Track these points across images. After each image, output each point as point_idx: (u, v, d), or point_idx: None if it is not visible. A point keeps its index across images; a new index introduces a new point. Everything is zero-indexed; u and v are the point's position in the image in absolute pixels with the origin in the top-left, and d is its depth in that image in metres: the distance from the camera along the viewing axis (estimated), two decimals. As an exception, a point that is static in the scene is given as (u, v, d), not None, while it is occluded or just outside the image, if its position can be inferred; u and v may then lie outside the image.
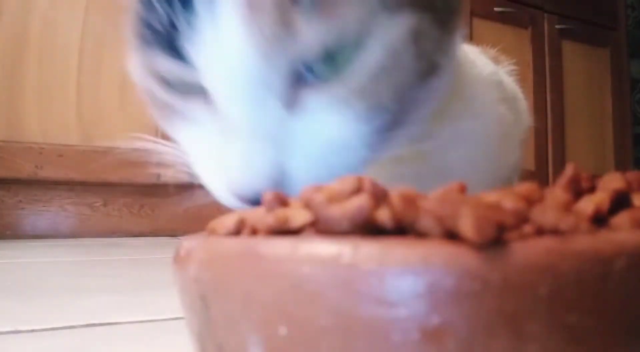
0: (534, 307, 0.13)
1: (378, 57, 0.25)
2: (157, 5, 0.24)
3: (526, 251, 0.13)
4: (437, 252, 0.13)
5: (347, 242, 0.14)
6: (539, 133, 1.84)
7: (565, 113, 1.94)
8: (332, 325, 0.14)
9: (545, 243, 0.14)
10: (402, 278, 0.13)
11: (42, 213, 1.17)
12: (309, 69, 0.25)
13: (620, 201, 0.17)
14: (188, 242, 0.19)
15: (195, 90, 0.26)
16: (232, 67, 0.24)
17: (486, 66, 0.44)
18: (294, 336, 0.14)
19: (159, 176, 1.22)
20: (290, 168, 0.25)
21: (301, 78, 0.25)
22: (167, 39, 0.25)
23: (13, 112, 1.11)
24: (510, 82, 0.49)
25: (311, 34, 0.23)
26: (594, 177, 0.18)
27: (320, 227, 0.15)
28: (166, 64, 0.26)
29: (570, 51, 2.00)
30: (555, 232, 0.15)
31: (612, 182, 0.17)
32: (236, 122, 0.25)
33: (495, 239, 0.13)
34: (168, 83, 0.27)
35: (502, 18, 1.81)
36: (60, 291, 0.52)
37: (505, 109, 0.41)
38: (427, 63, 0.27)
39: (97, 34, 1.18)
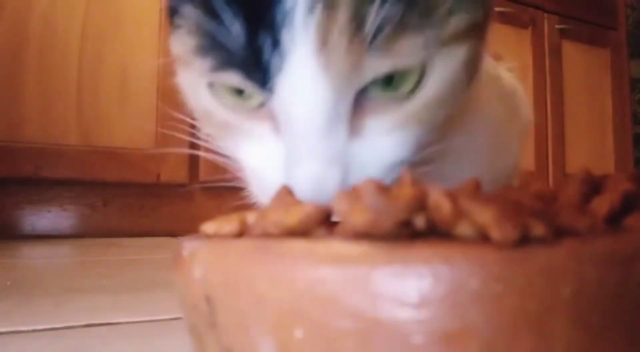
0: (557, 307, 0.13)
1: (436, 86, 0.27)
2: (232, 27, 0.25)
3: (549, 252, 0.13)
4: (459, 253, 0.13)
5: (366, 242, 0.14)
6: (539, 133, 1.84)
7: (565, 113, 1.94)
8: (350, 327, 0.13)
9: (568, 244, 0.14)
10: (424, 279, 0.13)
11: (42, 213, 1.17)
12: (371, 97, 0.27)
13: (629, 202, 0.17)
14: (190, 243, 0.18)
15: (257, 112, 0.28)
16: (309, 98, 0.25)
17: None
18: (310, 339, 0.14)
19: (159, 175, 1.22)
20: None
21: (363, 106, 0.27)
22: (242, 60, 0.26)
23: (13, 112, 1.11)
24: (508, 78, 0.49)
25: (375, 68, 0.25)
26: (598, 178, 0.18)
27: (369, 217, 0.14)
28: (239, 83, 0.27)
29: (570, 51, 2.00)
30: (572, 232, 0.14)
31: (619, 182, 0.17)
32: (307, 146, 0.26)
33: (520, 239, 0.13)
34: (232, 105, 0.29)
35: (502, 18, 1.81)
36: (60, 291, 0.52)
37: (499, 105, 0.41)
38: (470, 79, 0.30)
39: (97, 34, 1.18)
